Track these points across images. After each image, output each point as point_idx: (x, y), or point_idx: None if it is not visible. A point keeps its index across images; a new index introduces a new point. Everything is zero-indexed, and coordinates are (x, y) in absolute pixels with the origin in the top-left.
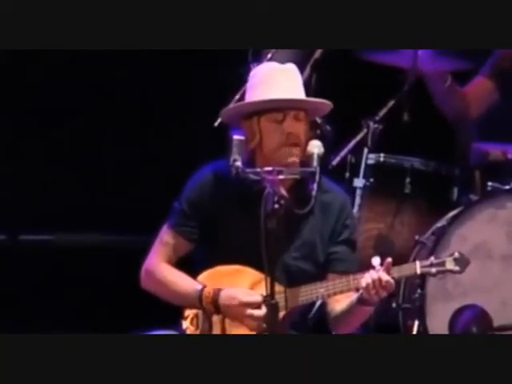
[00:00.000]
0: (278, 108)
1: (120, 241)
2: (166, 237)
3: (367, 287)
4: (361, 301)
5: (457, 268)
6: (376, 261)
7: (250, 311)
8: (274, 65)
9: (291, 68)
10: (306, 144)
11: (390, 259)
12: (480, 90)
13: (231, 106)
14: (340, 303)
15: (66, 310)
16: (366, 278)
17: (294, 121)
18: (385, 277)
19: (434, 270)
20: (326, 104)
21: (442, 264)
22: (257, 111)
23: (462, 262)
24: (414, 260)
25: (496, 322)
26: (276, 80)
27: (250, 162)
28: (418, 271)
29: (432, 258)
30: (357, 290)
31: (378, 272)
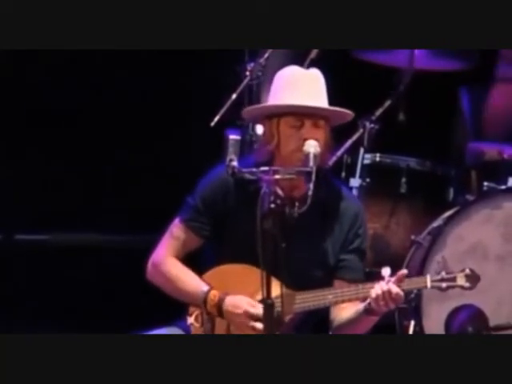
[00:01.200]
0: (297, 113)
1: (118, 241)
2: (176, 230)
3: (376, 298)
4: (368, 311)
5: (467, 284)
6: (386, 271)
7: (251, 323)
8: (299, 69)
9: (316, 73)
10: (326, 151)
11: (404, 271)
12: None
13: (254, 106)
14: (345, 311)
15: (64, 311)
16: (376, 289)
17: (313, 128)
18: (395, 289)
19: (444, 284)
20: (346, 112)
21: (453, 279)
22: (277, 114)
23: (473, 278)
24: (410, 260)
25: (492, 322)
26: (299, 85)
27: (266, 162)
28: (429, 285)
29: (443, 273)
30: (363, 299)
31: (388, 284)
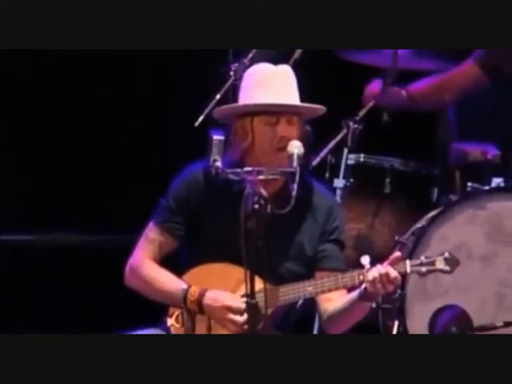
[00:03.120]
0: (273, 112)
1: (102, 241)
2: (151, 233)
3: (373, 280)
4: (363, 296)
5: (447, 268)
6: (365, 260)
7: (231, 316)
8: (269, 66)
9: (286, 70)
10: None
11: (398, 253)
12: (464, 73)
13: (225, 106)
14: (334, 302)
15: (47, 311)
16: (373, 272)
17: (287, 124)
18: (392, 271)
19: (424, 269)
20: (319, 108)
21: (432, 263)
22: (251, 112)
23: (452, 261)
24: None
25: (476, 322)
26: (271, 82)
27: (240, 161)
28: (408, 270)
29: (422, 258)
30: (344, 287)
31: (386, 267)
